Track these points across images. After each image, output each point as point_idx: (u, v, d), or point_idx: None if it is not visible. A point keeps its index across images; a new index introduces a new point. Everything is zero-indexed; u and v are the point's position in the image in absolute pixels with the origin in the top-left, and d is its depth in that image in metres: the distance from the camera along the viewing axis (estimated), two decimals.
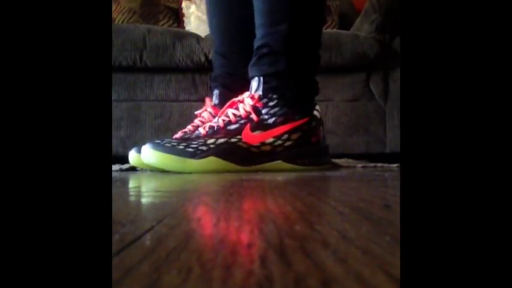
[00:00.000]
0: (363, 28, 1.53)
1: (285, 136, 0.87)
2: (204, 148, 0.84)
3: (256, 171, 0.85)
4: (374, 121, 1.45)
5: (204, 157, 0.83)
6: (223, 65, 1.05)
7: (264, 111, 0.87)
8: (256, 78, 0.89)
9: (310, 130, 0.90)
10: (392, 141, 1.44)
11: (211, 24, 1.09)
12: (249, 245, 0.18)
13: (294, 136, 0.88)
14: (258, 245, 0.18)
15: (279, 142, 0.87)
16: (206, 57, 1.39)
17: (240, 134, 0.86)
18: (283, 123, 0.87)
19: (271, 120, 0.87)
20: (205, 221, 0.25)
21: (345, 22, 1.91)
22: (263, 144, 0.86)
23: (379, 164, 1.16)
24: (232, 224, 0.23)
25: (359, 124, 1.44)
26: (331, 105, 1.43)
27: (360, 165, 1.12)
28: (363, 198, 0.36)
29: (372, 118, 1.45)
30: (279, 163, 0.87)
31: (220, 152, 0.84)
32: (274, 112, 0.87)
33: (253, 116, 0.87)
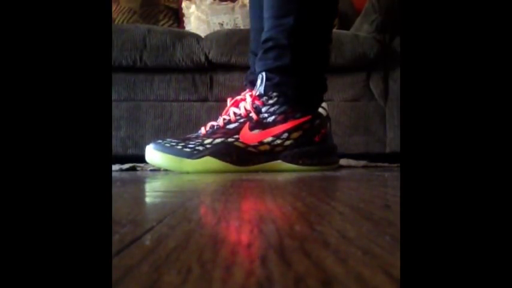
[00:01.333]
0: (362, 28, 1.53)
1: (285, 135, 0.86)
2: (201, 148, 0.84)
3: (255, 171, 0.84)
4: (374, 121, 1.45)
5: (200, 157, 0.83)
6: (253, 64, 1.05)
7: (263, 109, 0.86)
8: (260, 74, 0.88)
9: (312, 129, 0.88)
10: (393, 141, 1.44)
11: (250, 25, 1.08)
12: (249, 245, 0.18)
13: (295, 135, 0.86)
14: (258, 245, 0.18)
15: (278, 141, 0.86)
16: (206, 57, 1.39)
17: (238, 134, 0.85)
18: (283, 121, 0.86)
19: (270, 119, 0.86)
20: (205, 221, 0.25)
21: (345, 22, 1.91)
22: (261, 143, 0.85)
23: (379, 164, 1.16)
24: (232, 224, 0.23)
25: (359, 124, 1.44)
26: (331, 105, 1.42)
27: (360, 165, 1.12)
28: (363, 198, 0.36)
29: (372, 118, 1.45)
30: (278, 163, 0.86)
31: (216, 152, 0.83)
32: (274, 110, 0.86)
33: (253, 115, 0.86)
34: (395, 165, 1.14)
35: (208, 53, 1.39)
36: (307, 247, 0.17)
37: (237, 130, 0.85)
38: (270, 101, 0.86)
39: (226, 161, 0.84)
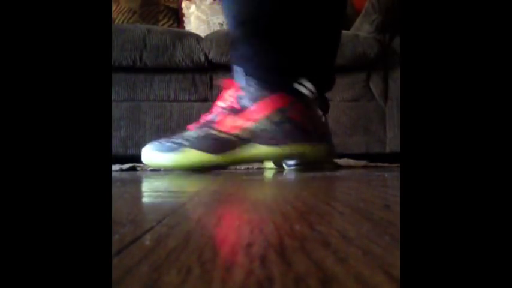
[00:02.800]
0: (363, 28, 1.53)
1: (263, 119, 0.86)
2: (181, 141, 0.86)
3: (237, 162, 0.86)
4: (374, 121, 1.45)
5: (181, 150, 0.85)
6: None
7: (242, 96, 0.87)
8: (234, 66, 0.90)
9: (292, 110, 0.87)
10: (393, 141, 1.44)
11: None
12: (249, 245, 0.18)
13: (274, 118, 0.86)
14: (258, 245, 0.18)
15: (257, 125, 0.86)
16: (206, 57, 1.39)
17: (218, 123, 0.87)
18: (260, 106, 0.86)
19: (248, 105, 0.87)
20: (205, 221, 0.25)
21: (345, 22, 1.91)
22: (241, 129, 0.86)
23: (379, 164, 1.16)
24: (232, 224, 0.23)
25: (359, 124, 1.44)
26: (331, 105, 1.43)
27: (360, 165, 1.12)
28: (363, 198, 0.36)
29: (372, 118, 1.45)
30: (254, 146, 0.86)
31: (195, 143, 0.86)
32: (252, 97, 0.87)
33: (233, 103, 0.87)
34: (395, 165, 1.14)
35: (208, 53, 1.39)
36: (307, 247, 0.17)
37: (216, 121, 0.87)
38: (250, 88, 0.87)
39: (204, 151, 0.85)
